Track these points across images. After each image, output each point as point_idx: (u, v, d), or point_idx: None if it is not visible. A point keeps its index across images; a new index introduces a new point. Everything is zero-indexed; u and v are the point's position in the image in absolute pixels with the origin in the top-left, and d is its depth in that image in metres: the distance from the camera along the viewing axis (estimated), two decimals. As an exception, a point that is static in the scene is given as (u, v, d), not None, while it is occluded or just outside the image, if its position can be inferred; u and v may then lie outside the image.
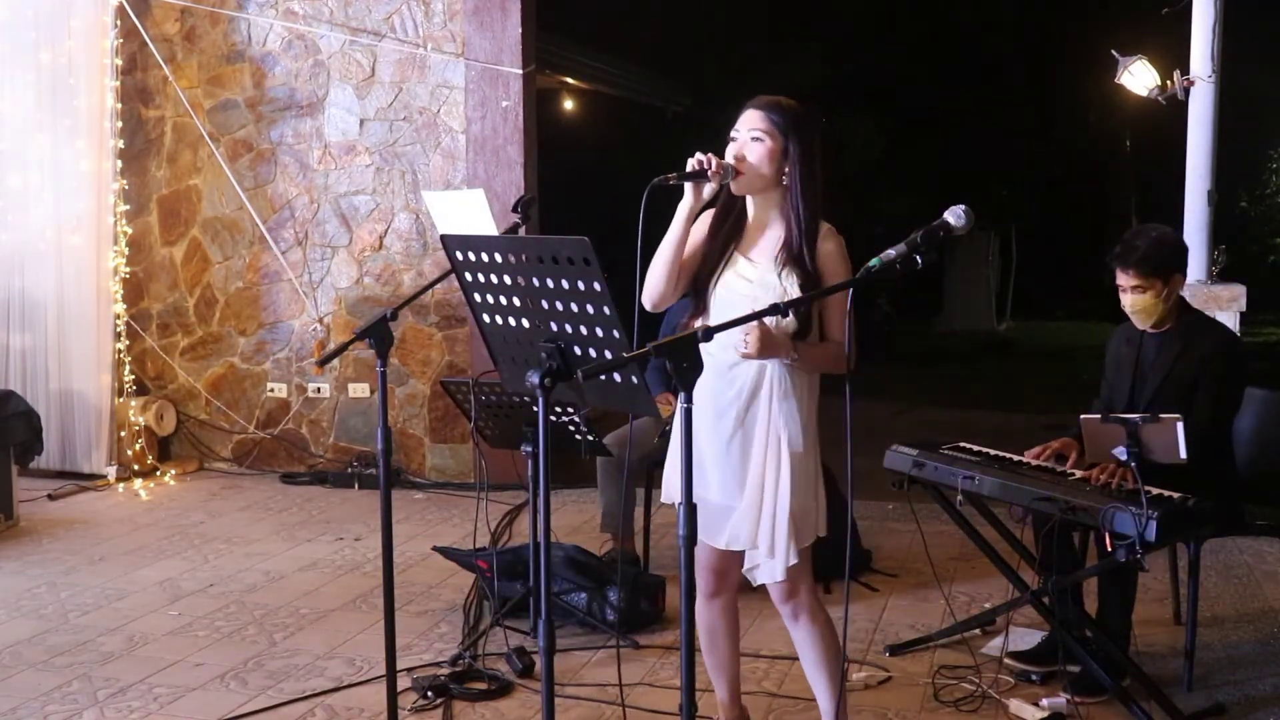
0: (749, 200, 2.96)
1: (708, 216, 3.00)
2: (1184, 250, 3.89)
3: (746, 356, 2.82)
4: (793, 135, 2.86)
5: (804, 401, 2.91)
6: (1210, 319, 3.99)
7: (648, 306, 2.95)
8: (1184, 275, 3.85)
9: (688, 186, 2.83)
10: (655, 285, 2.92)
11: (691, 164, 2.81)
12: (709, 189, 2.84)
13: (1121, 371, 3.93)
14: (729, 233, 2.97)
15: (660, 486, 3.18)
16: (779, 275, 2.86)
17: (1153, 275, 3.71)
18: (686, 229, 2.87)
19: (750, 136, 2.87)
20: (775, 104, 2.90)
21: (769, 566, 2.93)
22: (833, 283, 2.83)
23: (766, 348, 2.81)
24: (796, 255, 2.86)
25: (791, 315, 2.81)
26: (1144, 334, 3.86)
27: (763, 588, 3.03)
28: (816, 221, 2.89)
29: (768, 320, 2.76)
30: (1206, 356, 3.73)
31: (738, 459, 2.91)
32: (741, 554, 3.08)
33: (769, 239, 2.92)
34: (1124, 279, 3.76)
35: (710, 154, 2.82)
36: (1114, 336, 4.04)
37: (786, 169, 2.87)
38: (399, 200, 6.82)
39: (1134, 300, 3.76)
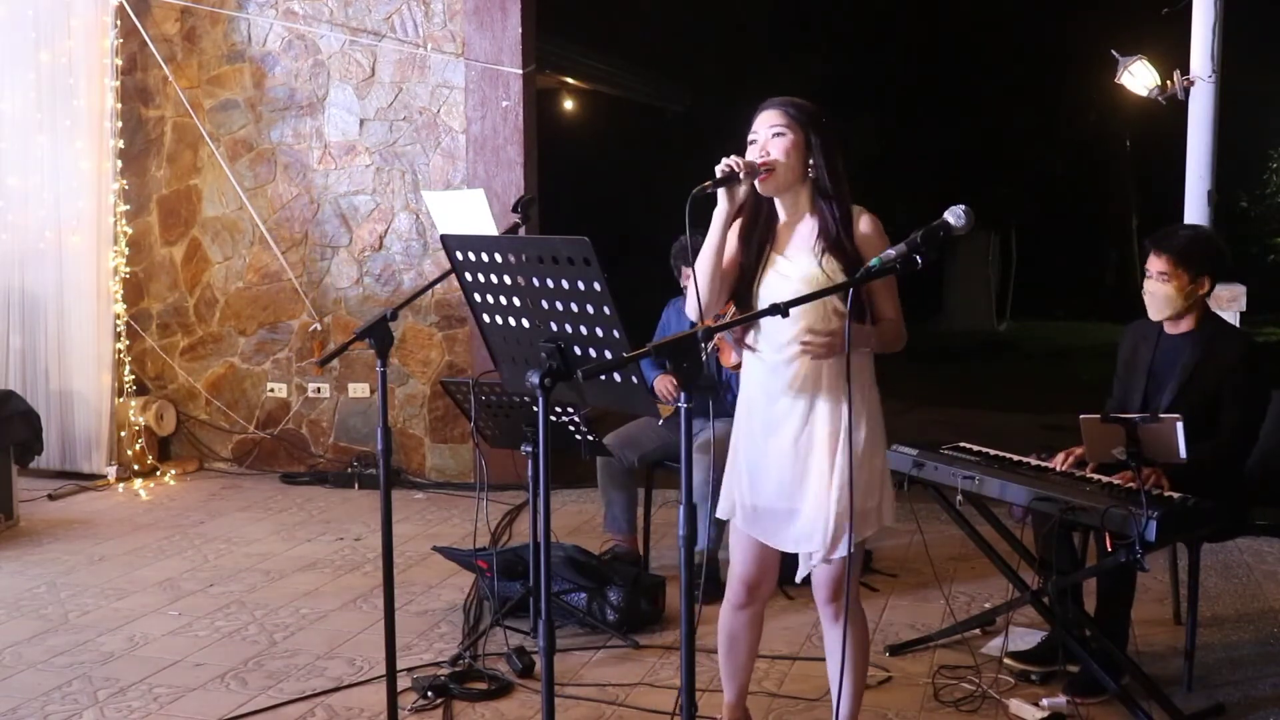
0: (776, 202, 2.96)
1: (736, 229, 3.00)
2: (1221, 256, 3.82)
3: (817, 357, 2.82)
4: (811, 127, 2.88)
5: (863, 389, 2.88)
6: (1232, 326, 3.97)
7: (693, 318, 2.92)
8: (1213, 281, 3.77)
9: (720, 192, 2.83)
10: (703, 294, 2.91)
11: (720, 169, 2.80)
12: (741, 191, 2.84)
13: (1136, 373, 3.89)
14: (761, 238, 2.96)
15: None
16: (820, 264, 2.85)
17: (1181, 266, 3.69)
18: (724, 234, 2.88)
19: (772, 134, 2.88)
20: (790, 101, 2.92)
21: (828, 552, 2.91)
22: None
23: (833, 347, 2.80)
24: (835, 241, 2.86)
25: (838, 301, 2.81)
26: (1161, 335, 3.83)
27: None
28: (848, 205, 2.89)
29: (821, 316, 2.79)
30: (1230, 367, 3.70)
31: (804, 458, 2.90)
32: (778, 567, 3.08)
33: (803, 233, 2.92)
34: (1153, 263, 3.75)
35: (736, 156, 2.82)
36: (1127, 335, 4.00)
37: (811, 160, 2.88)
38: (399, 200, 6.82)
39: (1155, 287, 3.74)
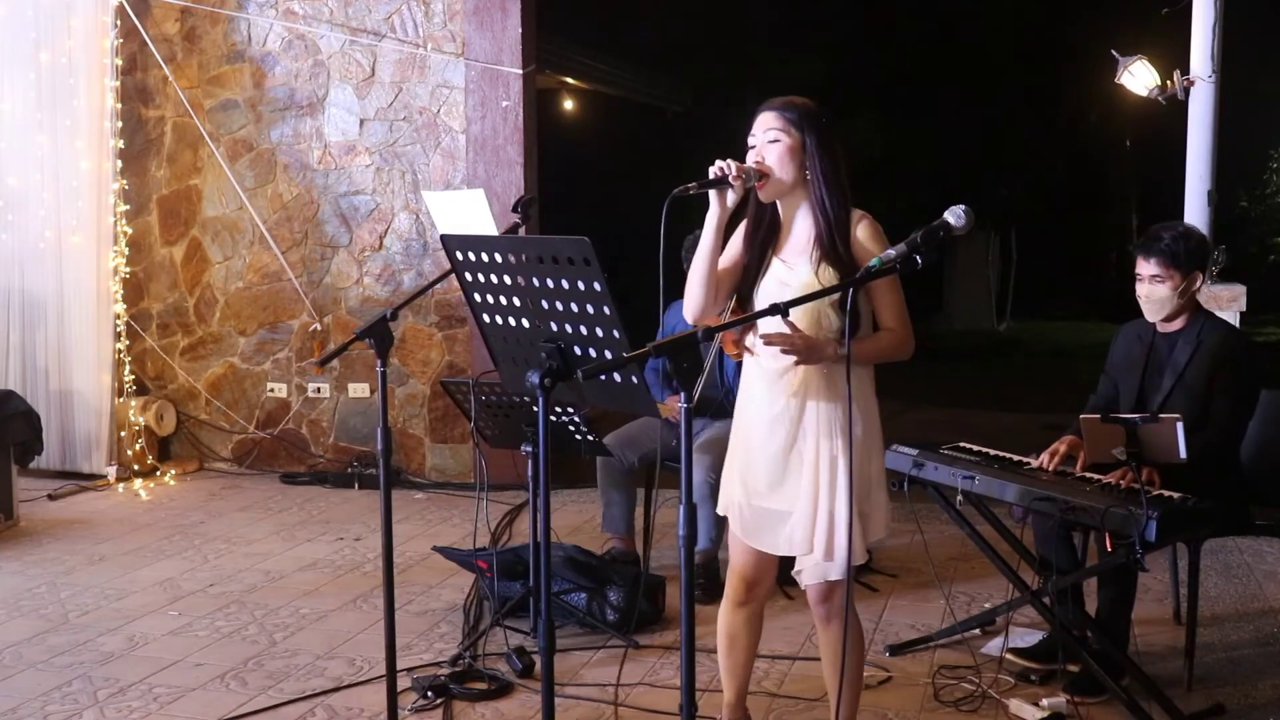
0: (779, 204, 2.95)
1: (742, 229, 2.99)
2: (1207, 249, 3.87)
3: (788, 352, 2.78)
4: (809, 129, 2.85)
5: (860, 400, 2.86)
6: (1225, 323, 3.97)
7: (689, 320, 2.92)
8: (1203, 275, 3.82)
9: (712, 196, 2.80)
10: (694, 298, 2.90)
11: (712, 172, 2.78)
12: (732, 196, 2.81)
13: (1131, 370, 3.90)
14: (764, 240, 2.95)
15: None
16: (815, 272, 2.83)
17: (1172, 267, 3.70)
18: (717, 238, 2.85)
19: (767, 139, 2.85)
20: (787, 103, 2.89)
21: (822, 567, 2.90)
22: None
23: (809, 353, 2.78)
24: (830, 248, 2.83)
25: (834, 313, 2.80)
26: (1155, 332, 3.84)
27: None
28: (846, 210, 2.86)
29: (815, 321, 2.78)
30: (1221, 362, 3.71)
31: (795, 463, 2.89)
32: (777, 564, 3.08)
33: (801, 238, 2.90)
34: (1144, 268, 3.75)
35: (730, 160, 2.80)
36: (1122, 332, 4.01)
37: (807, 164, 2.86)
38: (399, 200, 6.82)
39: (1150, 290, 3.75)
